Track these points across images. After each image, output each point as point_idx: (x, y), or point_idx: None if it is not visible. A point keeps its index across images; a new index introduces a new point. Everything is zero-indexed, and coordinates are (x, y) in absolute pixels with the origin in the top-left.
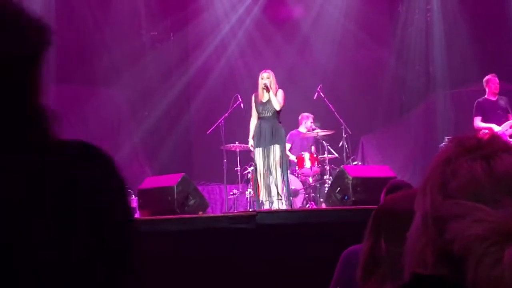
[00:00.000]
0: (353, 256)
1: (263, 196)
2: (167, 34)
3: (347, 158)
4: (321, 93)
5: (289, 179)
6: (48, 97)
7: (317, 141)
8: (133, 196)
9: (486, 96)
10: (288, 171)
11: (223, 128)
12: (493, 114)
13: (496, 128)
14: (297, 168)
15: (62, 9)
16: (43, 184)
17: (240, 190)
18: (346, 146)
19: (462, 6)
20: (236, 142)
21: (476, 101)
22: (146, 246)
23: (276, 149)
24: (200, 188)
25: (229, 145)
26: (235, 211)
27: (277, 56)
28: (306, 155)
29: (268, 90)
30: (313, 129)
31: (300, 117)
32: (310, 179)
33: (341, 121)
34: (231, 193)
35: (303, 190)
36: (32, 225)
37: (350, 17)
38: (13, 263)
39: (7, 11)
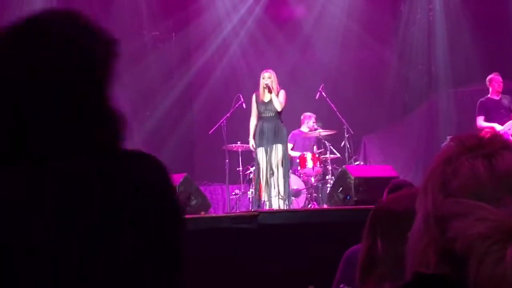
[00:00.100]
0: (355, 256)
1: (264, 195)
2: (169, 34)
3: (349, 158)
4: (323, 93)
5: (289, 179)
6: None
7: (319, 141)
8: None
9: (489, 95)
10: (290, 171)
11: (225, 128)
12: (496, 113)
13: (498, 127)
14: (299, 168)
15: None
16: (114, 186)
17: (242, 190)
18: (348, 146)
19: (464, 5)
20: (238, 142)
21: (479, 100)
22: None
23: (278, 148)
24: (202, 188)
25: (231, 145)
26: (237, 211)
27: (279, 56)
28: (308, 155)
29: (270, 91)
30: (315, 129)
31: (302, 117)
32: (312, 179)
33: (343, 121)
34: (233, 193)
35: (305, 190)
36: (92, 226)
37: (352, 17)
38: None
39: (81, 24)
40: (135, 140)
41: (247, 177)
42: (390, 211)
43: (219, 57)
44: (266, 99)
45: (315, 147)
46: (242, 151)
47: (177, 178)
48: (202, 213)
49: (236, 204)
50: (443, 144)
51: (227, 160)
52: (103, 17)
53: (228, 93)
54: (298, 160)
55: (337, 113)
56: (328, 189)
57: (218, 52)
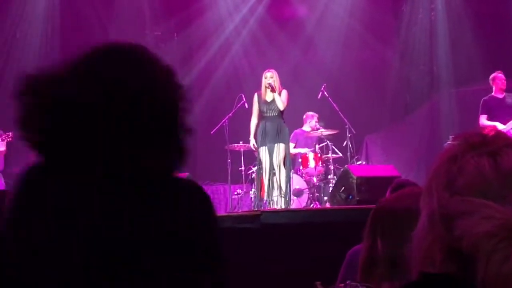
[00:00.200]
0: (357, 255)
1: (266, 195)
2: (171, 34)
3: (351, 157)
4: (325, 93)
5: (291, 179)
6: None
7: (321, 140)
8: None
9: (492, 93)
10: (292, 170)
11: (227, 128)
12: (500, 111)
13: (500, 126)
14: (301, 167)
15: (66, 11)
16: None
17: (244, 190)
18: (350, 145)
19: (466, 5)
20: (240, 142)
21: (483, 99)
22: None
23: (280, 147)
24: (204, 188)
25: (233, 145)
26: (240, 211)
27: (281, 55)
28: (310, 155)
29: (273, 90)
30: (317, 129)
31: (304, 116)
32: (315, 179)
33: (345, 120)
34: (235, 193)
35: (307, 189)
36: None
37: (354, 17)
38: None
39: (159, 69)
40: None
41: (249, 176)
42: (390, 210)
43: (221, 57)
44: (269, 99)
45: (317, 146)
46: (244, 151)
47: None
48: None
49: (238, 203)
50: (445, 144)
51: (229, 160)
52: (105, 17)
53: (230, 93)
54: (300, 160)
55: (339, 112)
56: (330, 188)
57: (220, 52)
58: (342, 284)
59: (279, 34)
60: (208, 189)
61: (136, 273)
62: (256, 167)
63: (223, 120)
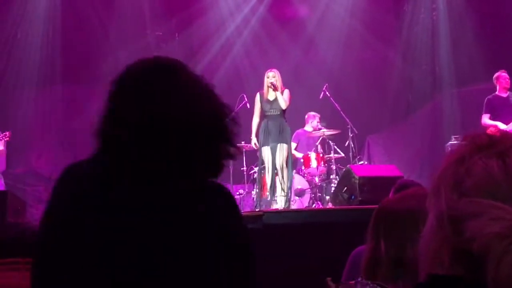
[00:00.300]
0: (361, 256)
1: (268, 194)
2: (172, 34)
3: (353, 157)
4: (327, 93)
5: (293, 179)
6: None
7: (323, 140)
8: None
9: (496, 92)
10: (294, 171)
11: None
12: (503, 111)
13: (501, 126)
14: (303, 167)
15: (67, 10)
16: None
17: (247, 190)
18: (352, 145)
19: (468, 5)
20: (242, 142)
21: (487, 98)
22: None
23: (283, 148)
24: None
25: None
26: (242, 211)
27: (282, 55)
28: (312, 155)
29: (275, 89)
30: (319, 129)
31: (306, 116)
32: (316, 179)
33: (347, 120)
34: (238, 193)
35: (309, 189)
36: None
37: (356, 17)
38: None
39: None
40: None
41: (251, 176)
42: (393, 212)
43: (222, 57)
44: (271, 98)
45: (319, 146)
46: (246, 151)
47: None
48: None
49: (240, 203)
50: (447, 144)
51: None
52: (106, 17)
53: (232, 93)
54: (302, 160)
55: (341, 112)
56: (332, 188)
57: (221, 52)
58: (353, 281)
59: (281, 34)
60: None
61: (165, 271)
62: (257, 167)
63: None
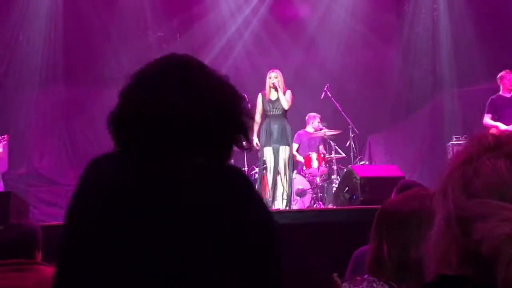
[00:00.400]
0: (363, 256)
1: (269, 195)
2: (174, 34)
3: (355, 157)
4: (328, 93)
5: (293, 179)
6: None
7: (324, 140)
8: None
9: (500, 92)
10: (295, 171)
11: None
12: (506, 111)
13: (502, 126)
14: (304, 168)
15: (69, 11)
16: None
17: None
18: (354, 145)
19: (468, 5)
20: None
21: (490, 98)
22: None
23: (286, 150)
24: None
25: None
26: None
27: (283, 56)
28: (314, 155)
29: (276, 90)
30: (321, 129)
31: (307, 117)
32: (318, 179)
33: (348, 120)
34: None
35: (310, 190)
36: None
37: (357, 17)
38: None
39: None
40: None
41: (253, 177)
42: (395, 213)
43: (224, 58)
44: (273, 98)
45: (321, 147)
46: (246, 152)
47: None
48: None
49: None
50: (448, 144)
51: (232, 161)
52: (107, 18)
53: None
54: (303, 160)
55: (342, 112)
56: (334, 189)
57: (223, 52)
58: (360, 278)
59: (282, 35)
60: None
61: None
62: (259, 167)
63: None
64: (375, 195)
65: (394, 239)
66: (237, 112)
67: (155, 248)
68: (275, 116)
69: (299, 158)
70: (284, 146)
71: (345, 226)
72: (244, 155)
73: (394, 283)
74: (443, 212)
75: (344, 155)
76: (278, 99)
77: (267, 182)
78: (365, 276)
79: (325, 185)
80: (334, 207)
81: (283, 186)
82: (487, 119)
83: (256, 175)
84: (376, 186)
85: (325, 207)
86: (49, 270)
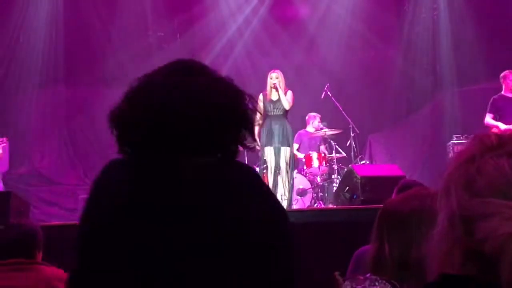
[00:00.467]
0: (364, 256)
1: None
2: (174, 34)
3: (355, 157)
4: (329, 92)
5: (293, 181)
6: (57, 99)
7: (325, 140)
8: None
9: (502, 92)
10: (295, 171)
11: None
12: (508, 111)
13: (502, 126)
14: (305, 167)
15: (69, 12)
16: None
17: None
18: (354, 145)
19: (468, 4)
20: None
21: (492, 97)
22: None
23: (287, 151)
24: None
25: None
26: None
27: (284, 55)
28: (314, 155)
29: (277, 90)
30: (321, 129)
31: (307, 117)
32: (318, 179)
33: (349, 120)
34: None
35: (311, 189)
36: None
37: (357, 16)
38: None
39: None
40: None
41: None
42: (396, 213)
43: (224, 58)
44: (274, 98)
45: (321, 146)
46: (247, 151)
47: None
48: None
49: None
50: (449, 143)
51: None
52: (108, 19)
53: None
54: (304, 160)
55: (343, 112)
56: (334, 188)
57: (223, 52)
58: (362, 276)
59: (282, 35)
60: None
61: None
62: (259, 167)
63: None
64: (375, 195)
65: (395, 239)
66: (240, 111)
67: (156, 249)
68: (276, 116)
69: (300, 155)
70: (286, 148)
71: (345, 226)
72: (245, 155)
73: (397, 282)
74: (445, 211)
75: (344, 154)
76: (279, 100)
77: (268, 182)
78: (367, 275)
79: (326, 184)
80: (335, 206)
81: (283, 186)
82: (489, 119)
83: None
84: (376, 186)
85: (326, 206)
86: (49, 270)
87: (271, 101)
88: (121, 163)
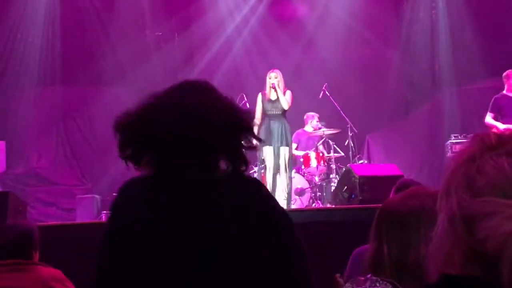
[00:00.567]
0: (362, 256)
1: None
2: (172, 34)
3: (353, 156)
4: (327, 92)
5: (292, 178)
6: (54, 99)
7: (323, 140)
8: None
9: (504, 91)
10: (293, 170)
11: None
12: (510, 110)
13: (501, 126)
14: (303, 167)
15: (67, 11)
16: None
17: None
18: (352, 144)
19: (467, 3)
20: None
21: (494, 96)
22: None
23: (286, 151)
24: None
25: None
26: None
27: (282, 55)
28: (312, 154)
29: (276, 90)
30: (319, 128)
31: (305, 117)
32: (316, 178)
33: (347, 119)
34: None
35: (309, 189)
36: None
37: (355, 16)
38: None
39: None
40: None
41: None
42: (394, 213)
43: (222, 57)
44: (273, 97)
45: (320, 146)
46: (246, 151)
47: None
48: None
49: None
50: (447, 143)
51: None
52: (106, 18)
53: (232, 93)
54: (302, 159)
55: (341, 112)
56: (332, 188)
57: (221, 51)
58: (363, 277)
59: (280, 34)
60: None
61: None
62: (257, 167)
63: None
64: (373, 194)
65: (394, 239)
66: (242, 130)
67: (174, 264)
68: (275, 115)
69: (299, 153)
70: (285, 147)
71: (343, 225)
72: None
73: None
74: (446, 212)
75: (342, 154)
76: (278, 99)
77: (266, 182)
78: (368, 276)
79: (324, 184)
80: (333, 206)
81: (282, 186)
82: (489, 118)
83: (255, 175)
84: (374, 185)
85: (324, 206)
86: (46, 271)
87: (270, 100)
88: (137, 184)
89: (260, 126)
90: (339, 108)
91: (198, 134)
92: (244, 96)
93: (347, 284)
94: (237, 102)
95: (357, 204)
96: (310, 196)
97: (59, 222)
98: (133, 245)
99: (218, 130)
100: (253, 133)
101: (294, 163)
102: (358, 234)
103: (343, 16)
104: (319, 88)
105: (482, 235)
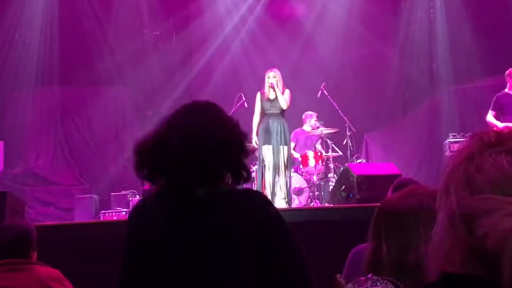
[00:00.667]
0: (361, 255)
1: (268, 194)
2: (170, 33)
3: (351, 156)
4: (325, 91)
5: (291, 178)
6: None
7: (321, 139)
8: (138, 196)
9: (506, 89)
10: (292, 170)
11: None
12: (511, 109)
13: (500, 125)
14: (301, 166)
15: (65, 11)
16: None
17: None
18: (350, 143)
19: (465, 3)
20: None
21: (496, 95)
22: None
23: (284, 150)
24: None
25: None
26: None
27: (280, 54)
28: (310, 154)
29: (275, 90)
30: (317, 127)
31: (303, 116)
32: (315, 177)
33: (345, 118)
34: None
35: (307, 188)
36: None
37: (353, 15)
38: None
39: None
40: (138, 139)
41: (250, 175)
42: (393, 213)
43: (220, 56)
44: (272, 96)
45: (318, 145)
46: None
47: None
48: None
49: None
50: (445, 142)
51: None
52: (104, 17)
53: (230, 92)
54: (300, 159)
55: (339, 111)
56: (330, 187)
57: (219, 51)
58: (364, 277)
59: (278, 33)
60: None
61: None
62: (256, 166)
63: None
64: (372, 193)
65: (393, 239)
66: (240, 147)
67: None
68: (273, 115)
69: (296, 155)
70: (283, 147)
71: (342, 225)
72: None
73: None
74: (445, 210)
75: (341, 153)
76: (276, 98)
77: (265, 181)
78: (369, 276)
79: (322, 183)
80: (331, 205)
81: (281, 185)
82: (490, 117)
83: (254, 173)
84: (373, 184)
85: (322, 205)
86: (44, 270)
87: (269, 99)
88: (150, 200)
89: (259, 125)
90: (337, 107)
91: (208, 158)
92: (243, 95)
93: (348, 285)
94: (237, 120)
95: (355, 203)
96: (308, 196)
97: (57, 222)
98: (153, 255)
99: (226, 151)
100: (248, 152)
101: (292, 163)
102: (356, 233)
103: (341, 16)
104: (317, 87)
105: (482, 232)
